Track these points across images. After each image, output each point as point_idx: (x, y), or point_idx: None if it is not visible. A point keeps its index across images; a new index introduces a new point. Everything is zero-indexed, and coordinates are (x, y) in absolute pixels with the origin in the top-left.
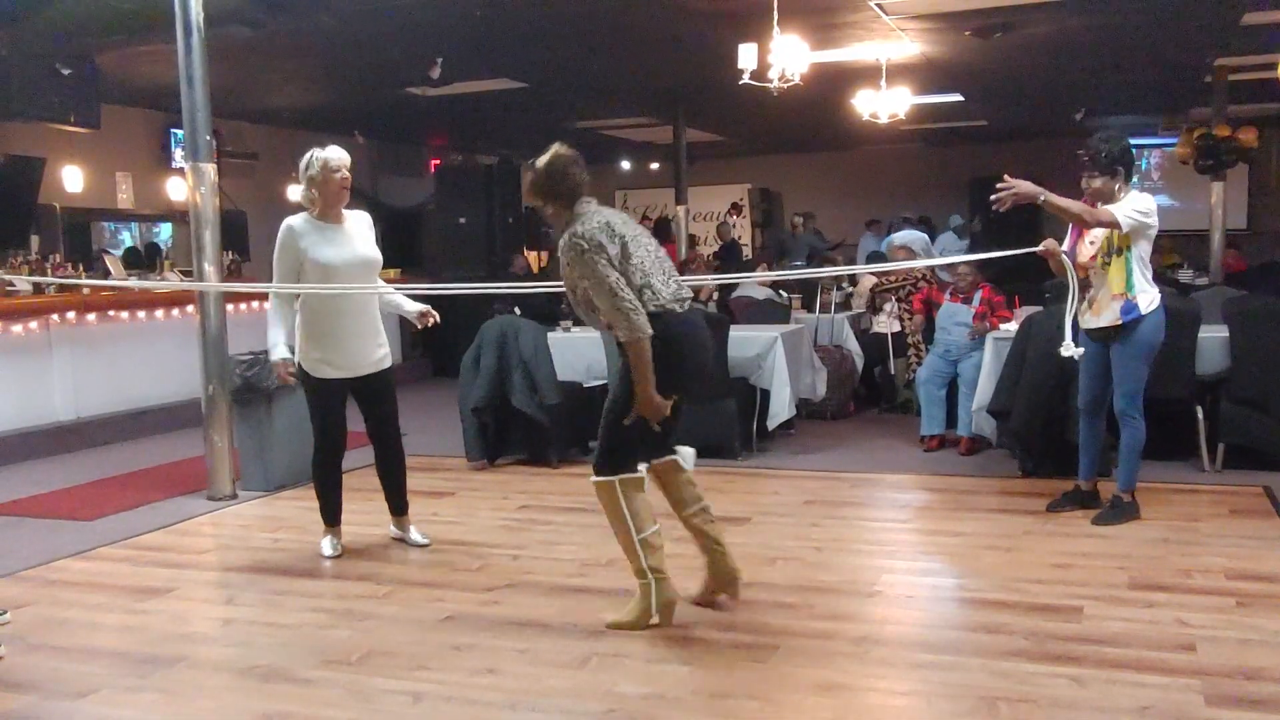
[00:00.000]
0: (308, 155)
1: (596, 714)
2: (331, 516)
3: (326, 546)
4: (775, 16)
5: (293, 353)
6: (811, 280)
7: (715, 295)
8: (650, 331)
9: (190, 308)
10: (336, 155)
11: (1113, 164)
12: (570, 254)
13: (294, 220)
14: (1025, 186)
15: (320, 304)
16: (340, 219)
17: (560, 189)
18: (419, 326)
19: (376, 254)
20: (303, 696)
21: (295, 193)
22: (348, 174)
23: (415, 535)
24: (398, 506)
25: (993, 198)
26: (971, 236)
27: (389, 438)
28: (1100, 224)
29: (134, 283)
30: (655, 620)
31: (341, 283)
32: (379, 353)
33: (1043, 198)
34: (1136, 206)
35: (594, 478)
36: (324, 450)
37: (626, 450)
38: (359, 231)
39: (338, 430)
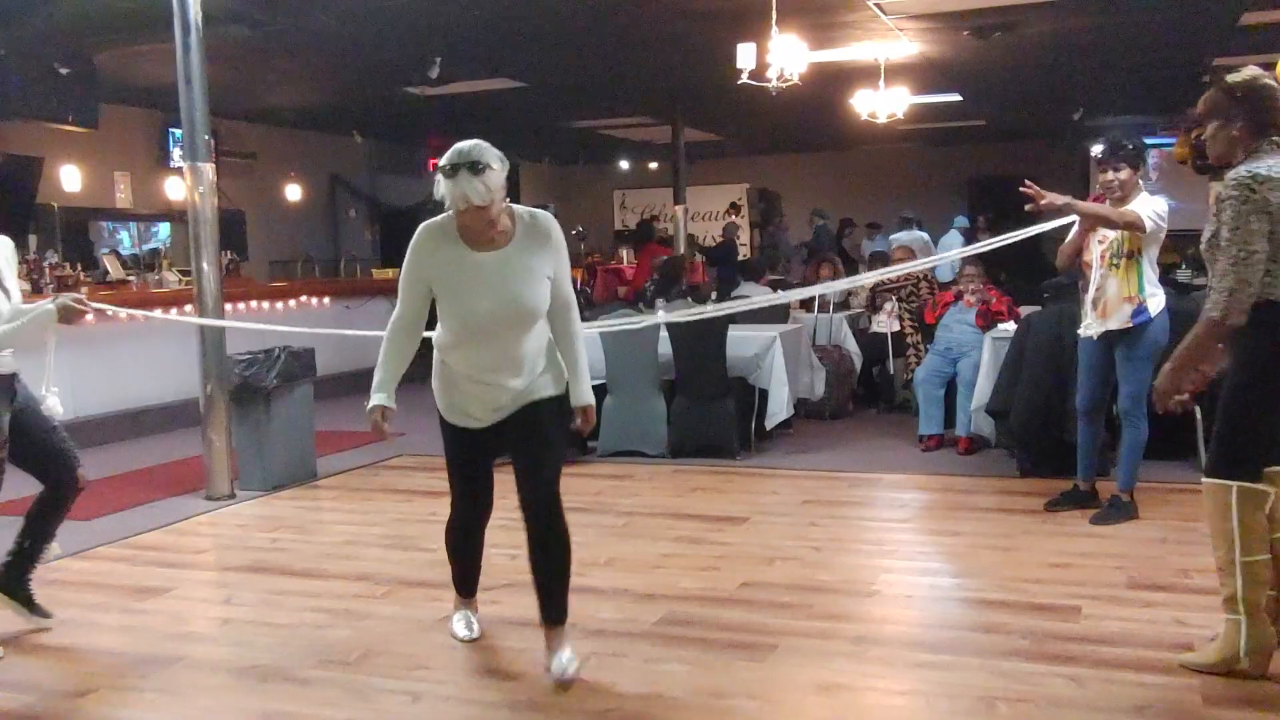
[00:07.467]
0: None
1: (596, 714)
2: (464, 586)
3: (458, 626)
4: (774, 16)
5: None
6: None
7: (714, 295)
8: (1241, 322)
9: (189, 307)
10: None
11: (1138, 156)
12: (1234, 191)
13: (432, 223)
14: (1053, 196)
15: (451, 327)
16: (492, 244)
17: (1258, 114)
18: (569, 422)
19: (531, 291)
20: (301, 696)
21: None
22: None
23: (560, 659)
24: (546, 612)
25: (1023, 190)
26: (972, 234)
27: (537, 504)
28: (1126, 224)
29: (158, 315)
30: (1244, 665)
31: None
32: (516, 382)
33: (1067, 202)
34: (1157, 209)
35: (1205, 478)
36: (456, 512)
37: (1250, 450)
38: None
39: (470, 488)
